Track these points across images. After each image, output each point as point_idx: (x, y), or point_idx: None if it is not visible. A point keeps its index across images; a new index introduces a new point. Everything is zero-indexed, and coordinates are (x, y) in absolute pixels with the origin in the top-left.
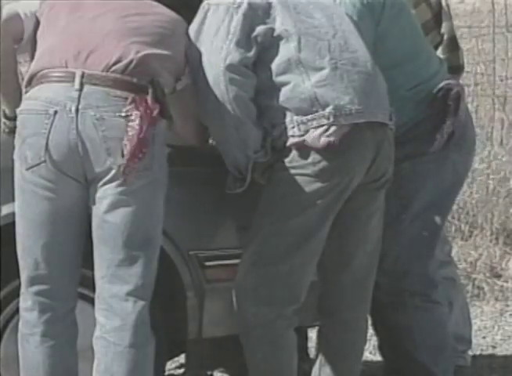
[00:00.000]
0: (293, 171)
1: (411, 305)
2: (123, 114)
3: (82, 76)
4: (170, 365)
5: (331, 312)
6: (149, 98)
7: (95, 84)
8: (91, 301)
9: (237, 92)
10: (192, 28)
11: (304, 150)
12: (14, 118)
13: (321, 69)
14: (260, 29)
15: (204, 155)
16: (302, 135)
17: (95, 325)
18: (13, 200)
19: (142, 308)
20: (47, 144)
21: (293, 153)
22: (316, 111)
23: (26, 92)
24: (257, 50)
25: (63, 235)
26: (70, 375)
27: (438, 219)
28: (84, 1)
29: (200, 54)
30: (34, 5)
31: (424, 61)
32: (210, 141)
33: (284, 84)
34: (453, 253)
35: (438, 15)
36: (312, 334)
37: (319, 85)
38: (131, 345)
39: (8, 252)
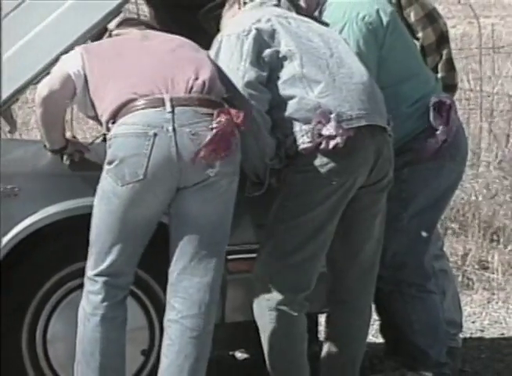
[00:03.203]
0: (303, 174)
1: (408, 294)
2: (214, 126)
3: (171, 100)
4: None
5: (339, 301)
6: (231, 109)
7: (183, 105)
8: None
9: (255, 106)
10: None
11: (313, 154)
12: (57, 151)
13: (322, 82)
14: (267, 51)
15: None
16: (311, 142)
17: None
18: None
19: (215, 298)
20: (148, 162)
21: (304, 157)
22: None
23: (113, 123)
24: (267, 70)
25: (138, 241)
26: (120, 353)
27: (432, 219)
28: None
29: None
30: (76, 59)
31: (422, 79)
32: None
33: (291, 97)
34: (446, 248)
35: (440, 39)
36: (322, 319)
37: (321, 96)
38: (205, 331)
39: (56, 245)
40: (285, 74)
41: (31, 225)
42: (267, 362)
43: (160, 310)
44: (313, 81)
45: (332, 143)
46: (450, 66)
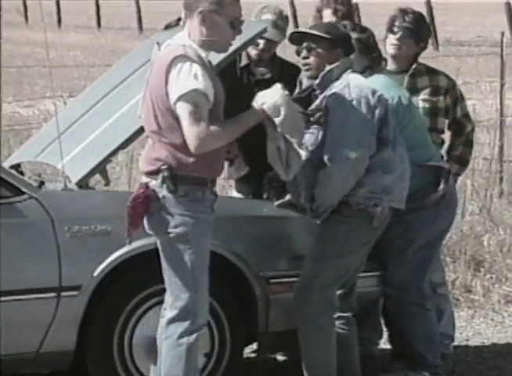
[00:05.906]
0: (349, 226)
1: (410, 311)
2: (129, 204)
3: None
4: (246, 350)
5: None
6: (151, 183)
7: None
8: None
9: (363, 165)
10: (340, 106)
11: (362, 212)
12: None
13: (397, 170)
14: (382, 128)
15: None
16: (364, 204)
17: None
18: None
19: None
20: None
21: (351, 210)
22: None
23: None
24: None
25: None
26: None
27: (431, 254)
28: None
29: (345, 130)
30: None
31: (427, 147)
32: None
33: (373, 170)
34: None
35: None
36: None
37: (391, 182)
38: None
39: (138, 272)
40: (380, 152)
41: (120, 257)
42: (303, 364)
43: (218, 320)
44: (392, 168)
45: (377, 215)
46: (470, 150)
